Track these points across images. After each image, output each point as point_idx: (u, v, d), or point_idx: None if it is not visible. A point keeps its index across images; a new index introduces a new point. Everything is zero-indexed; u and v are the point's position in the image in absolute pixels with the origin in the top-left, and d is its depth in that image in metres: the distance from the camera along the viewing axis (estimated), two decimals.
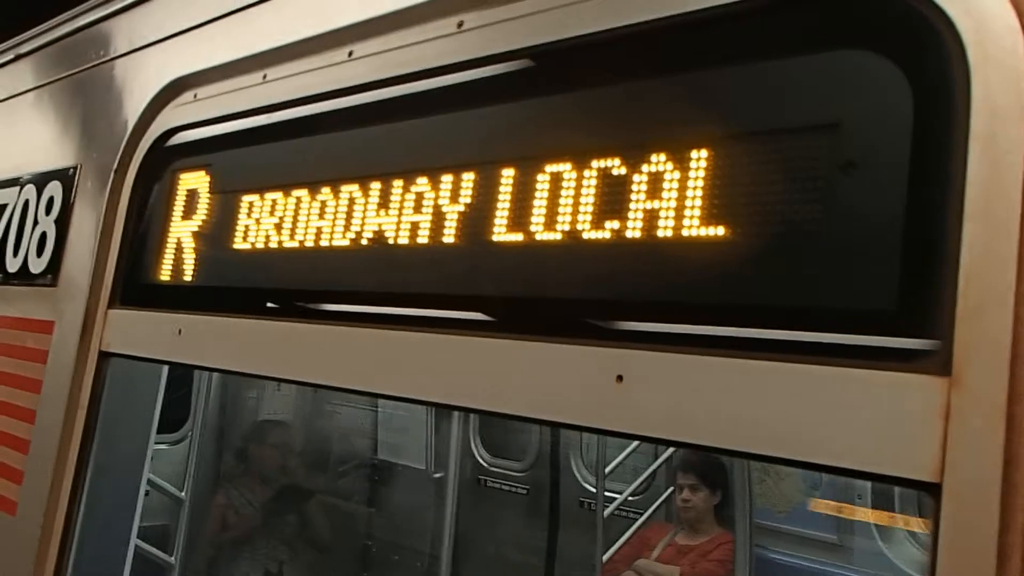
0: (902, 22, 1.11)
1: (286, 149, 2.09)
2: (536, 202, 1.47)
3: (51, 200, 2.88)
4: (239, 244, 2.08)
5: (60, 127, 3.08)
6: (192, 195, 2.29)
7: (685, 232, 1.28)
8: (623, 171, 1.36)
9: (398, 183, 1.72)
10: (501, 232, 1.52)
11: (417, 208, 1.68)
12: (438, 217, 1.63)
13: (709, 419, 1.19)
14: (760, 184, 1.21)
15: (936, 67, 1.06)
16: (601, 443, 6.25)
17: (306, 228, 1.91)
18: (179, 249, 2.29)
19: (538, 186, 1.47)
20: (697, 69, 1.36)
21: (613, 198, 1.37)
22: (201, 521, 6.47)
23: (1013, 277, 0.95)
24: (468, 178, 1.60)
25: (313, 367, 1.86)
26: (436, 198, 1.65)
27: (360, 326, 1.75)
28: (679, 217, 1.28)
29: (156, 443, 2.85)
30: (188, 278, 2.26)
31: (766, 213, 1.20)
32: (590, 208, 1.40)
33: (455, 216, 1.61)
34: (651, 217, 1.32)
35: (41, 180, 2.97)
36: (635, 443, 6.16)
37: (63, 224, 2.78)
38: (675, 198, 1.29)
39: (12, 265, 3.00)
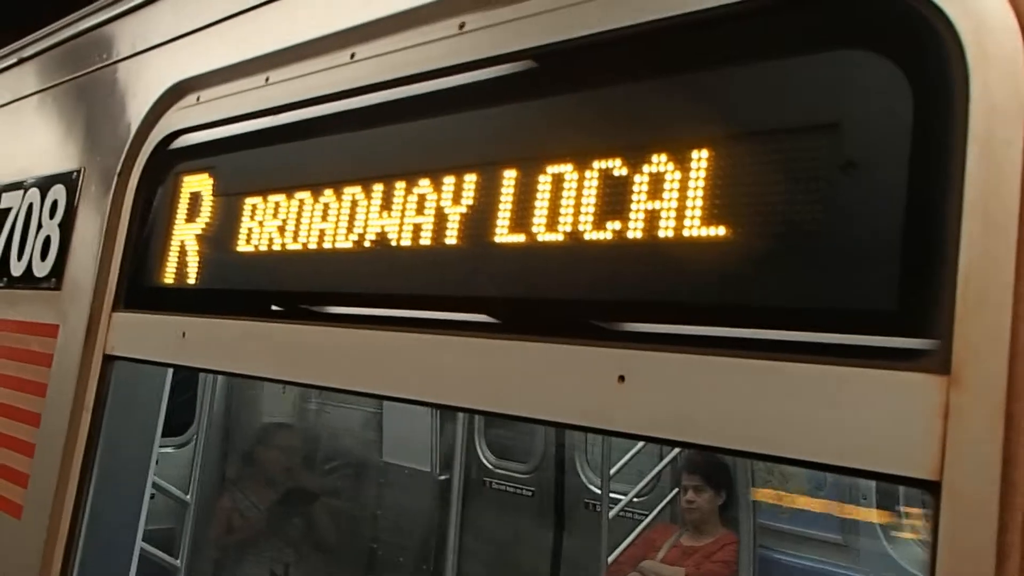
0: (901, 22, 1.12)
1: (289, 151, 2.09)
2: (538, 203, 1.48)
3: (55, 204, 2.88)
4: (242, 247, 2.09)
5: (63, 131, 3.09)
6: (195, 198, 2.29)
7: (686, 232, 1.28)
8: (624, 172, 1.37)
9: (400, 185, 1.73)
10: (503, 233, 1.52)
11: (419, 210, 1.68)
12: (440, 219, 1.64)
13: (710, 419, 1.19)
14: (760, 184, 1.22)
15: (935, 67, 1.06)
16: (606, 444, 6.25)
17: (309, 230, 1.91)
18: (182, 252, 2.29)
19: (540, 187, 1.48)
20: (698, 70, 1.37)
21: (614, 199, 1.37)
22: (206, 524, 6.47)
23: (1012, 276, 0.96)
24: (470, 179, 1.60)
25: (316, 369, 1.87)
26: (438, 200, 1.65)
27: (362, 328, 1.76)
28: (680, 217, 1.29)
29: (161, 446, 2.86)
30: (192, 281, 2.26)
31: (766, 213, 1.20)
32: (592, 209, 1.40)
33: (457, 218, 1.61)
34: (652, 218, 1.32)
35: (45, 184, 2.98)
36: (640, 444, 6.16)
37: (67, 228, 2.79)
38: (676, 199, 1.30)
39: (16, 269, 3.01)
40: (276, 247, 1.99)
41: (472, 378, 1.53)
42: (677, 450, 6.03)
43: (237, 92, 2.28)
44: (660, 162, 1.32)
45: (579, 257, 1.40)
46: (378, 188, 1.77)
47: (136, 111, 2.62)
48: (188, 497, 6.55)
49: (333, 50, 2.00)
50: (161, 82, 2.53)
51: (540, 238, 1.46)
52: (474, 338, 1.54)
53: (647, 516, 6.26)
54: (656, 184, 1.32)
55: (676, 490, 6.04)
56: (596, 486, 6.55)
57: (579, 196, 1.42)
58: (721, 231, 1.24)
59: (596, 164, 1.40)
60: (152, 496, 2.83)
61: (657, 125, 1.38)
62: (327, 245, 1.86)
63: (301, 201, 1.94)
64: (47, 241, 2.87)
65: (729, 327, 1.22)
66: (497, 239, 1.53)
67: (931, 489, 0.99)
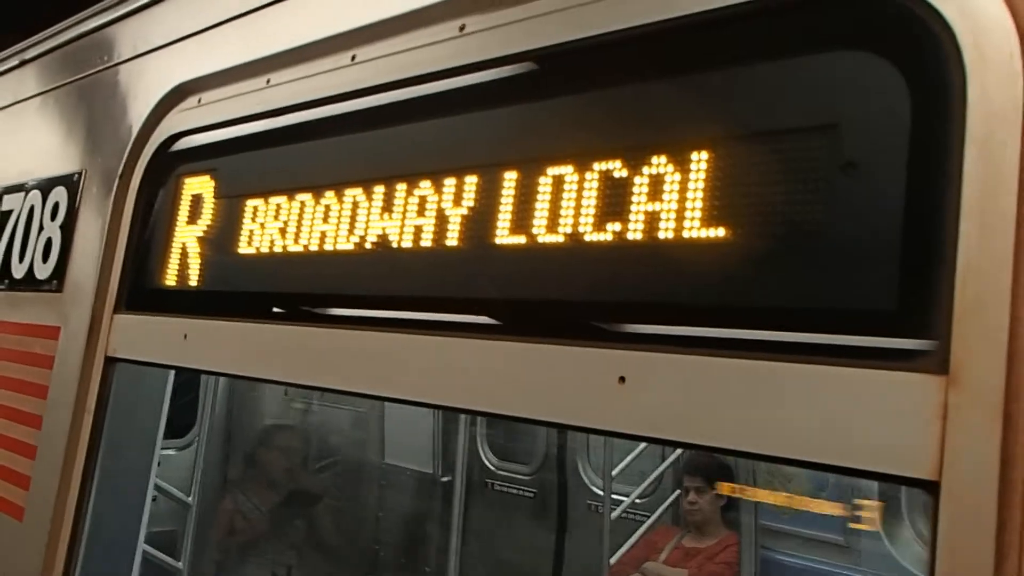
0: (899, 25, 1.12)
1: (290, 153, 2.10)
2: (538, 205, 1.48)
3: (56, 206, 2.89)
4: (244, 248, 2.09)
5: (65, 132, 3.09)
6: (197, 200, 2.30)
7: (686, 234, 1.28)
8: (624, 173, 1.37)
9: (401, 186, 1.73)
10: (504, 235, 1.53)
11: (420, 211, 1.69)
12: (441, 220, 1.64)
13: (710, 419, 1.20)
14: (759, 185, 1.22)
15: (933, 69, 1.07)
16: (608, 446, 6.25)
17: (310, 232, 1.91)
18: (184, 254, 2.29)
19: (540, 189, 1.48)
20: (698, 72, 1.37)
21: (614, 200, 1.38)
22: (208, 526, 6.48)
23: (1009, 276, 0.96)
24: (471, 181, 1.61)
25: (317, 371, 1.87)
26: (439, 201, 1.65)
27: (363, 329, 1.76)
28: (679, 219, 1.29)
29: (163, 448, 2.86)
30: (193, 283, 2.27)
31: (765, 214, 1.20)
32: (592, 210, 1.40)
33: (458, 219, 1.62)
34: (652, 219, 1.32)
35: (46, 186, 2.99)
36: (641, 446, 6.16)
37: (68, 230, 2.80)
38: (676, 200, 1.30)
39: (18, 271, 3.02)
40: (277, 249, 2.00)
41: (473, 379, 1.53)
42: (679, 451, 6.03)
43: (238, 94, 2.28)
44: (660, 163, 1.33)
45: (580, 259, 1.41)
46: (379, 190, 1.77)
47: (137, 113, 2.62)
48: (190, 499, 6.55)
49: (334, 52, 2.00)
50: (162, 84, 2.53)
51: (541, 240, 1.47)
52: (475, 339, 1.55)
53: (649, 517, 6.26)
54: (656, 185, 1.33)
55: (678, 491, 6.04)
56: (598, 487, 6.55)
57: (579, 198, 1.42)
58: (720, 232, 1.25)
59: (596, 166, 1.41)
60: (154, 498, 2.83)
61: (656, 126, 1.38)
62: (328, 247, 1.87)
63: (302, 203, 1.95)
64: (48, 243, 2.88)
65: (729, 328, 1.22)
66: (498, 241, 1.53)
67: (930, 489, 0.99)
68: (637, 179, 1.35)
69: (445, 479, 7.30)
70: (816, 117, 1.19)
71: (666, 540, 5.72)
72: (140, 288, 2.48)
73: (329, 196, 1.88)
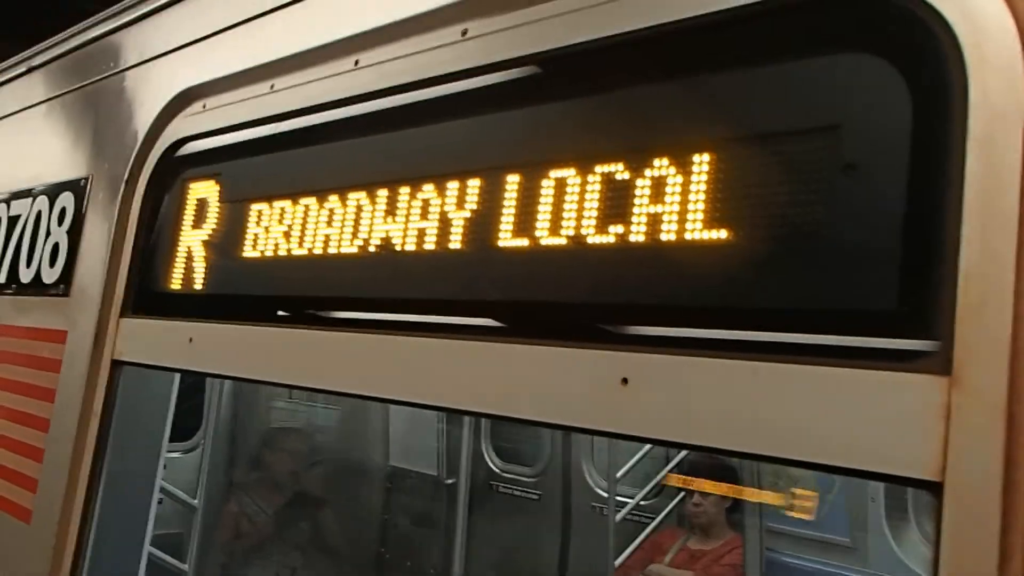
0: (900, 26, 1.12)
1: (294, 158, 2.10)
2: (541, 208, 1.49)
3: (63, 211, 2.90)
4: (249, 252, 2.10)
5: (71, 138, 3.10)
6: (202, 204, 2.31)
7: (688, 236, 1.29)
8: (626, 176, 1.38)
9: (405, 190, 1.74)
10: (507, 238, 1.53)
11: (424, 215, 1.69)
12: (444, 224, 1.65)
13: (713, 420, 1.20)
14: (761, 187, 1.22)
15: (934, 70, 1.07)
16: (613, 448, 6.25)
17: (314, 236, 1.92)
18: (189, 258, 2.30)
19: (543, 192, 1.49)
20: (699, 74, 1.37)
21: (617, 203, 1.38)
22: (214, 529, 6.49)
23: (1012, 276, 0.96)
24: (474, 184, 1.61)
25: (322, 373, 1.88)
26: (442, 205, 1.66)
27: (367, 332, 1.77)
28: (682, 221, 1.30)
29: (169, 451, 2.87)
30: (199, 287, 2.27)
31: (767, 216, 1.21)
32: (594, 213, 1.41)
33: (461, 222, 1.62)
34: (654, 221, 1.33)
35: (53, 191, 3.00)
36: (646, 448, 6.16)
37: (75, 234, 2.81)
38: (677, 202, 1.30)
39: (25, 276, 3.03)
40: (282, 252, 2.00)
41: (476, 381, 1.54)
42: (683, 453, 6.03)
43: (243, 99, 2.29)
44: (662, 166, 1.33)
45: (582, 261, 1.41)
46: (382, 193, 1.78)
47: (143, 119, 2.63)
48: (196, 501, 6.56)
49: (337, 57, 2.01)
50: (167, 90, 2.54)
51: (543, 242, 1.47)
52: (478, 342, 1.55)
53: (654, 519, 6.26)
54: (658, 188, 1.33)
55: (683, 493, 6.04)
56: (603, 489, 6.55)
57: (582, 200, 1.43)
58: (723, 234, 1.25)
59: (598, 168, 1.41)
60: (160, 501, 2.84)
61: (658, 129, 1.38)
62: (332, 250, 1.88)
63: (306, 207, 1.95)
64: (55, 248, 2.89)
65: (731, 329, 1.23)
66: (501, 243, 1.54)
67: (933, 490, 0.99)
68: (639, 181, 1.36)
69: (450, 481, 7.30)
70: (818, 118, 1.19)
71: (671, 542, 5.72)
72: (146, 292, 2.48)
73: (333, 200, 1.89)
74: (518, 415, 1.46)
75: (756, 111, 1.27)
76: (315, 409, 7.72)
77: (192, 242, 2.31)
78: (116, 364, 2.50)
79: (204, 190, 2.32)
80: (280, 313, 2.04)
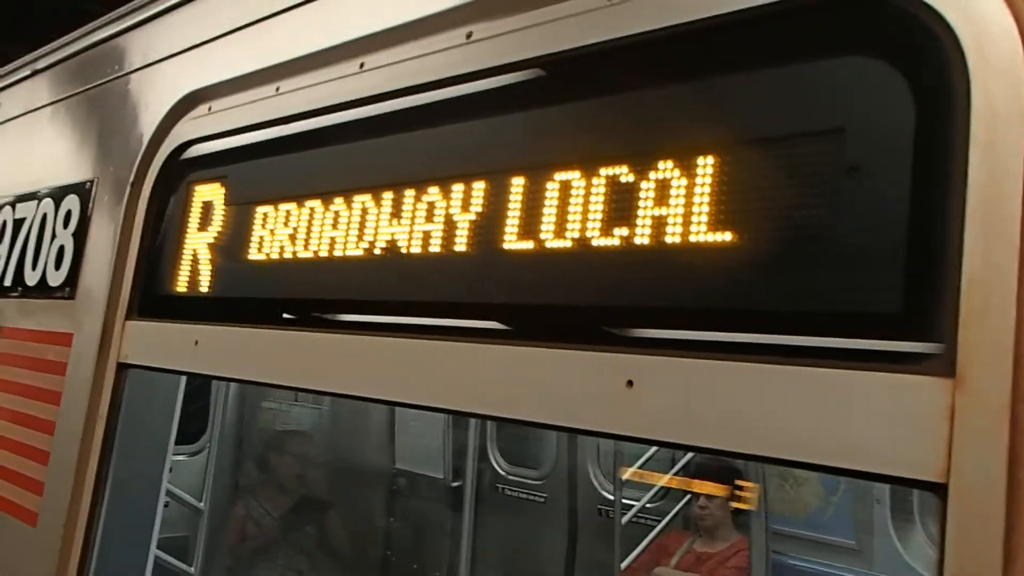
0: (903, 30, 1.12)
1: (299, 160, 2.11)
2: (546, 210, 1.49)
3: (68, 214, 2.91)
4: (254, 255, 2.10)
5: (77, 141, 3.11)
6: (207, 207, 2.31)
7: (692, 238, 1.29)
8: (631, 178, 1.38)
9: (410, 193, 1.74)
10: (512, 240, 1.54)
11: (429, 217, 1.70)
12: (449, 226, 1.65)
13: (718, 422, 1.20)
14: (765, 190, 1.22)
15: (937, 74, 1.07)
16: (618, 451, 6.25)
17: (320, 238, 1.93)
18: (195, 260, 2.31)
19: (547, 194, 1.49)
20: (704, 77, 1.38)
21: (621, 205, 1.38)
22: (220, 532, 6.49)
23: (1015, 279, 0.96)
24: (479, 187, 1.62)
25: (327, 376, 1.88)
26: (447, 207, 1.66)
27: (373, 335, 1.77)
28: (686, 223, 1.30)
29: (174, 454, 2.87)
30: (204, 289, 2.28)
31: (772, 219, 1.21)
32: (599, 215, 1.41)
33: (466, 225, 1.63)
34: (659, 224, 1.33)
35: (59, 194, 3.01)
36: (652, 450, 6.16)
37: (80, 237, 2.82)
38: (682, 204, 1.31)
39: (31, 279, 3.04)
40: (287, 255, 2.01)
41: (482, 384, 1.54)
42: (689, 456, 6.02)
43: (248, 102, 2.30)
44: (666, 168, 1.33)
45: (587, 263, 1.42)
46: (388, 196, 1.78)
47: (148, 121, 2.64)
48: (201, 504, 6.58)
49: (342, 60, 2.02)
50: (173, 93, 2.55)
51: (548, 245, 1.47)
52: (483, 344, 1.55)
53: (660, 522, 6.25)
54: (662, 190, 1.33)
55: (688, 496, 6.03)
56: (609, 492, 6.54)
57: (587, 203, 1.43)
58: (727, 236, 1.25)
59: (603, 171, 1.42)
60: (166, 504, 2.84)
61: (662, 132, 1.39)
62: (338, 253, 1.88)
63: (312, 209, 1.96)
64: (61, 251, 2.89)
65: (736, 332, 1.23)
66: (506, 246, 1.54)
67: (938, 491, 0.99)
68: (644, 184, 1.36)
69: (456, 484, 7.30)
70: (821, 122, 1.19)
71: (677, 544, 5.71)
72: (152, 295, 2.49)
73: (338, 202, 1.89)
74: (524, 417, 1.47)
75: (760, 114, 1.27)
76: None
77: (198, 245, 2.31)
78: (122, 367, 2.51)
79: (209, 193, 2.32)
80: (285, 316, 2.04)
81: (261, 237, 2.09)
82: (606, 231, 1.39)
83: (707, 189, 1.28)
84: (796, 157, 1.20)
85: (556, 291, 1.47)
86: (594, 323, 1.42)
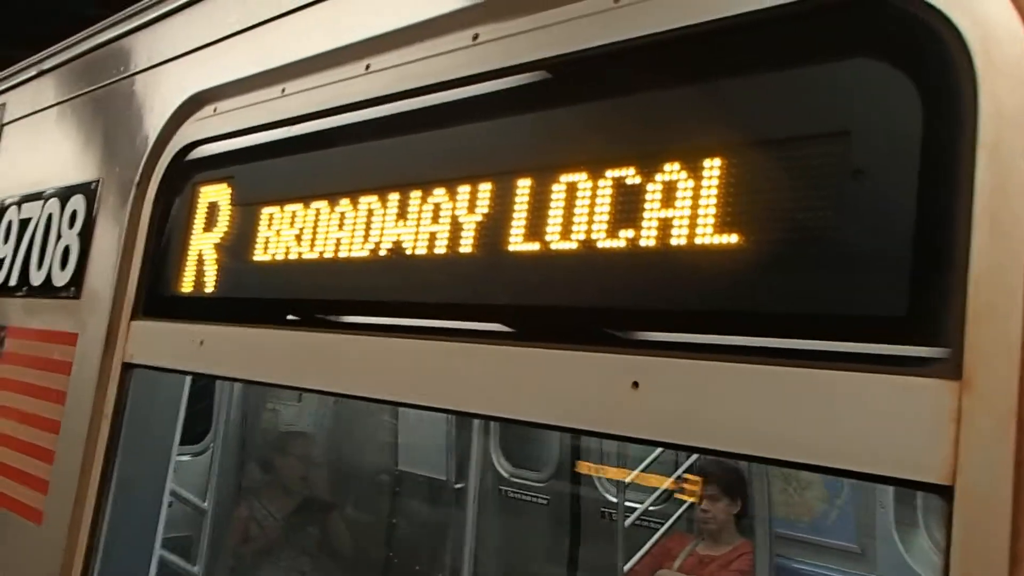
0: (910, 32, 1.12)
1: (305, 161, 2.11)
2: (552, 212, 1.49)
3: (74, 214, 2.92)
4: (259, 256, 2.11)
5: (82, 142, 3.12)
6: (213, 208, 2.32)
7: (699, 240, 1.29)
8: (637, 180, 1.38)
9: (416, 194, 1.74)
10: (518, 242, 1.54)
11: (435, 219, 1.70)
12: (455, 227, 1.65)
13: (724, 424, 1.20)
14: (772, 192, 1.22)
15: (944, 76, 1.07)
16: (622, 454, 6.26)
17: (325, 239, 1.93)
18: (200, 261, 2.31)
19: (553, 196, 1.49)
20: (710, 80, 1.38)
21: (628, 207, 1.38)
22: (224, 532, 6.50)
23: (1021, 281, 0.96)
24: (485, 189, 1.62)
25: (332, 377, 1.88)
26: (453, 209, 1.66)
27: (379, 336, 1.77)
28: (692, 225, 1.30)
29: (179, 454, 2.88)
30: (209, 289, 2.28)
31: (778, 221, 1.21)
32: (605, 217, 1.41)
33: (472, 226, 1.63)
34: (665, 226, 1.33)
35: (64, 194, 3.02)
36: (655, 452, 6.16)
37: (86, 237, 2.82)
38: (688, 206, 1.31)
39: (36, 278, 3.04)
40: (293, 256, 2.01)
41: (487, 385, 1.54)
42: (692, 459, 6.02)
43: (253, 103, 2.30)
44: (672, 170, 1.33)
45: (593, 265, 1.42)
46: (394, 197, 1.79)
47: (154, 122, 2.64)
48: (205, 504, 6.58)
49: (348, 61, 2.02)
50: (178, 94, 2.56)
51: (554, 246, 1.47)
52: (489, 345, 1.55)
53: (663, 525, 6.25)
54: (668, 192, 1.33)
55: (691, 499, 6.03)
56: (612, 495, 6.54)
57: (592, 205, 1.43)
58: (733, 239, 1.25)
59: (609, 173, 1.42)
60: (170, 504, 2.84)
61: (668, 134, 1.39)
62: (343, 254, 1.88)
63: (317, 210, 1.96)
64: (66, 251, 2.90)
65: (742, 334, 1.23)
66: (512, 248, 1.54)
67: (944, 494, 0.99)
68: (650, 186, 1.36)
69: (458, 485, 7.30)
70: (828, 124, 1.19)
71: (680, 547, 5.70)
72: (157, 295, 2.49)
73: (344, 203, 1.89)
74: (529, 418, 1.47)
75: (766, 117, 1.27)
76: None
77: (203, 245, 2.31)
78: (127, 367, 2.51)
79: (215, 193, 2.33)
80: (291, 316, 2.05)
81: (266, 238, 2.09)
82: (612, 233, 1.40)
83: (713, 191, 1.29)
84: (802, 160, 1.20)
85: (562, 293, 1.47)
86: (600, 325, 1.42)
